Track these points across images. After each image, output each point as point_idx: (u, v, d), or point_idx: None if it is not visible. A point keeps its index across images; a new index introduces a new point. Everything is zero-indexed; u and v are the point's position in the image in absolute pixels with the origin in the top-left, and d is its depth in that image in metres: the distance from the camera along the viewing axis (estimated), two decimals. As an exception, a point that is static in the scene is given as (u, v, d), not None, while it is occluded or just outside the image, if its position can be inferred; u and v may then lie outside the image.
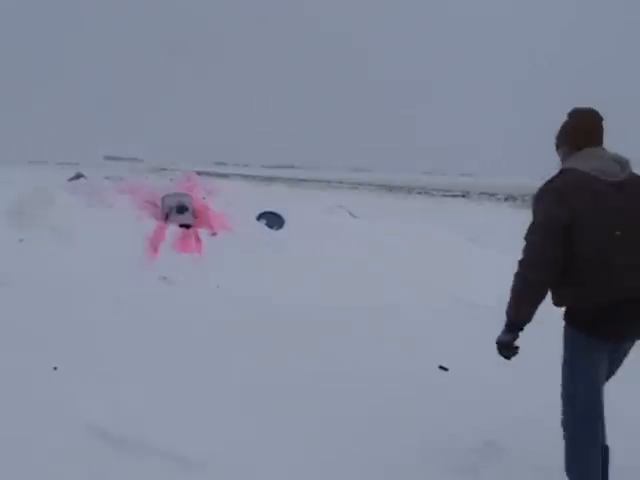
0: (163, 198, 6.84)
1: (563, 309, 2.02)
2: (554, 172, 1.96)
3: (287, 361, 3.24)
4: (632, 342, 2.04)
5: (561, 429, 2.00)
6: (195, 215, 6.63)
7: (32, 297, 4.03)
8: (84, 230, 5.52)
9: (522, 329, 1.98)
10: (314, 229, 6.67)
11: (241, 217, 6.69)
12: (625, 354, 2.08)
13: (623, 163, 1.95)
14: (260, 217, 7.07)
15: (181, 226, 6.24)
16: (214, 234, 6.07)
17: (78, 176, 9.18)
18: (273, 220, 7.07)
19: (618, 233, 1.88)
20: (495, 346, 2.01)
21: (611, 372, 2.09)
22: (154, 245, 5.61)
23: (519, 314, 1.98)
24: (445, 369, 3.21)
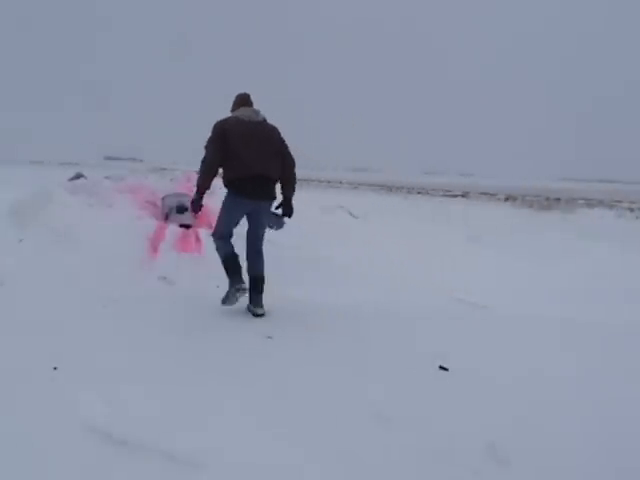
0: (163, 198, 6.83)
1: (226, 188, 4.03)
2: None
3: (287, 360, 3.25)
4: (264, 202, 4.04)
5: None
6: (195, 215, 6.61)
7: (32, 297, 4.03)
8: (84, 230, 5.52)
9: (204, 193, 3.97)
10: (314, 229, 6.67)
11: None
12: (264, 211, 4.11)
13: (257, 112, 4.03)
14: (260, 217, 7.05)
15: (181, 226, 6.23)
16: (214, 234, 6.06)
17: (78, 176, 9.15)
18: (273, 220, 7.06)
19: (251, 141, 3.86)
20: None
21: (261, 223, 4.18)
22: (154, 245, 5.60)
23: (205, 184, 3.92)
24: (445, 369, 3.21)
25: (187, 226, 6.25)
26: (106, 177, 9.02)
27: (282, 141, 4.07)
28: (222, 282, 4.94)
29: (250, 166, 3.84)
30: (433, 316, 4.31)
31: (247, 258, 4.15)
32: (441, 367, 3.22)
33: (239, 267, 4.08)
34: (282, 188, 4.14)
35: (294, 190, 4.15)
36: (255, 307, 4.05)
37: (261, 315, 4.01)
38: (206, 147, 3.86)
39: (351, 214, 9.09)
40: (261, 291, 4.09)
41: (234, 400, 2.68)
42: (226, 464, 2.14)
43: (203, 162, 3.85)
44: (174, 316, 4.00)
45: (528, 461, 2.28)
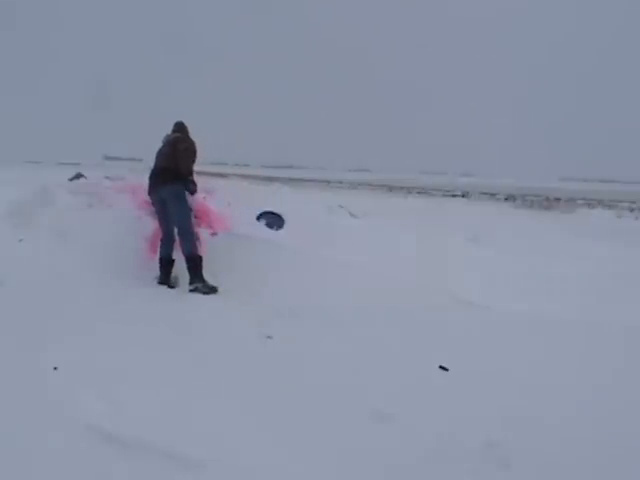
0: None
1: None
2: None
3: (286, 361, 3.24)
4: (164, 193, 5.02)
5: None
6: (195, 215, 6.61)
7: (32, 297, 4.03)
8: (84, 230, 5.52)
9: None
10: (314, 229, 6.67)
11: (241, 217, 6.68)
12: (167, 199, 5.02)
13: (169, 135, 5.47)
14: (260, 217, 7.05)
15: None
16: (214, 234, 6.06)
17: (78, 176, 9.14)
18: (273, 220, 7.05)
19: (159, 151, 5.38)
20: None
21: (171, 208, 5.05)
22: (153, 245, 5.60)
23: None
24: (445, 369, 3.21)
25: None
26: (106, 177, 9.01)
27: (176, 142, 5.20)
28: (222, 281, 4.95)
29: (156, 166, 5.34)
30: (433, 316, 4.31)
31: None
32: (441, 367, 3.22)
33: (169, 266, 5.10)
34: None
35: (187, 168, 5.11)
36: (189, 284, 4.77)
37: (191, 291, 4.68)
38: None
39: (351, 214, 9.07)
40: (189, 268, 4.76)
41: (234, 400, 2.68)
42: (226, 464, 2.14)
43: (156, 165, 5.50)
44: (173, 316, 4.00)
45: (528, 461, 2.28)
